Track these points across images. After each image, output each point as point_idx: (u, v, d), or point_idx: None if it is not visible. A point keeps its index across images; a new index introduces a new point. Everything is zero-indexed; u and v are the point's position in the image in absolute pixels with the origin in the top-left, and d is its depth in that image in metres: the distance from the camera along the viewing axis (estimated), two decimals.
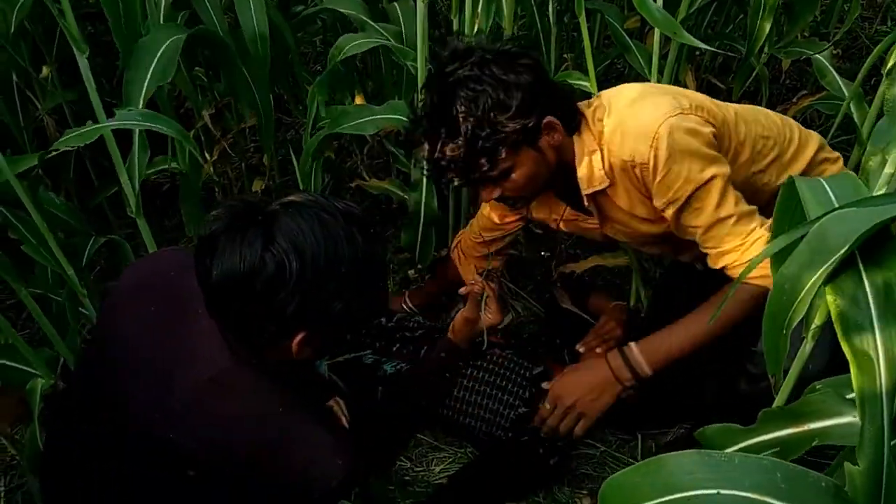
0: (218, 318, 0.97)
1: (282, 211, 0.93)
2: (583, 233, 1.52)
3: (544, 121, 1.22)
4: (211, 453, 0.97)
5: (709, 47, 0.87)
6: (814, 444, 0.85)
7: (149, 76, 1.34)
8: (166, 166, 1.74)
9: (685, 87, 1.84)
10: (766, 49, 1.90)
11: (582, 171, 1.30)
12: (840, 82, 1.81)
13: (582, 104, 1.33)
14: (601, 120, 1.28)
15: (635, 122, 1.22)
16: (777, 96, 2.68)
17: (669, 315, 1.37)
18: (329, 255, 0.92)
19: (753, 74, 2.04)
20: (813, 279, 0.59)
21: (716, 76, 2.54)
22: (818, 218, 0.61)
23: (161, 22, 1.53)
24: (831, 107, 1.97)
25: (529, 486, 1.52)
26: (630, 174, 1.26)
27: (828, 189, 0.65)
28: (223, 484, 1.02)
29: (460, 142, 1.18)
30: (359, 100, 2.06)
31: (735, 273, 1.24)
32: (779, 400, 0.97)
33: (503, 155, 1.20)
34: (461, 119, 1.17)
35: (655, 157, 1.20)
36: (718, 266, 1.26)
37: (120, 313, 1.08)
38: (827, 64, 1.86)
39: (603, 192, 1.32)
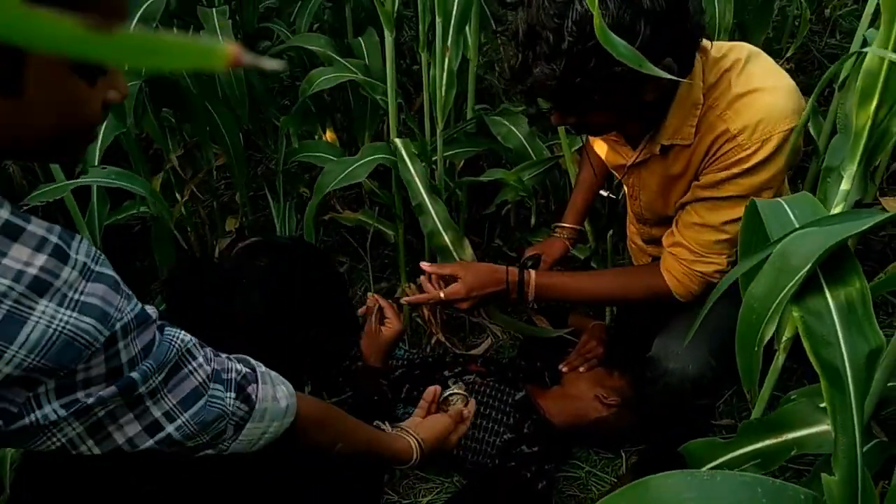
0: None
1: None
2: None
3: (662, 62, 1.02)
4: None
5: (672, 76, 0.89)
6: (792, 453, 0.88)
7: (103, 127, 1.35)
8: (135, 211, 1.74)
9: None
10: None
11: (672, 121, 1.17)
12: None
13: (707, 44, 1.15)
14: (726, 72, 1.14)
15: (767, 105, 1.10)
16: None
17: (633, 326, 1.40)
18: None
19: None
20: (779, 297, 0.62)
21: None
22: (780, 239, 0.64)
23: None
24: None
25: None
26: (716, 143, 1.15)
27: (788, 210, 0.68)
28: None
29: (556, 70, 1.02)
30: (329, 134, 2.09)
31: (668, 263, 1.29)
32: (756, 412, 1.00)
33: (595, 98, 1.06)
34: (566, 42, 0.99)
35: (755, 151, 1.11)
36: (666, 246, 1.29)
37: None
38: None
39: (672, 147, 1.22)
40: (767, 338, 0.63)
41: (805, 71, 3.05)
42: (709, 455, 0.98)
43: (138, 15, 1.57)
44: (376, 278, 2.24)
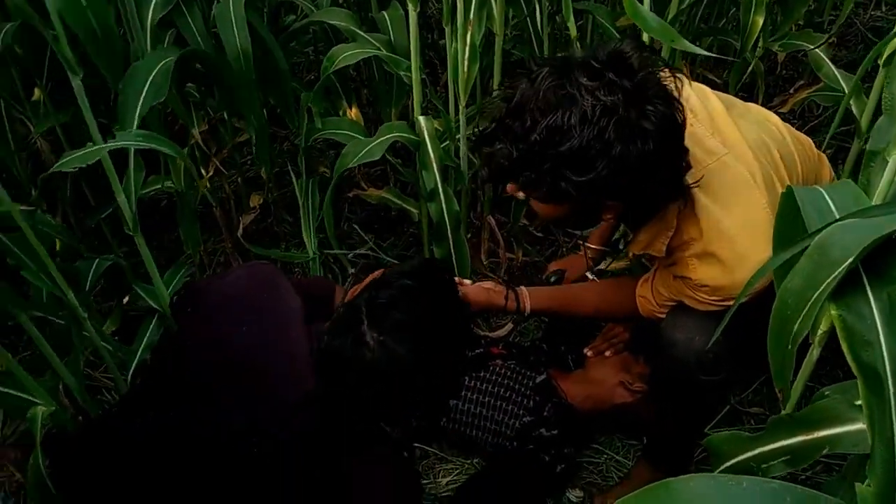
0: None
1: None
2: None
3: (608, 202, 1.10)
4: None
5: (705, 51, 0.85)
6: (825, 451, 0.84)
7: (142, 98, 1.34)
8: (160, 186, 1.73)
9: None
10: (760, 43, 1.88)
11: (643, 237, 1.24)
12: (837, 74, 1.79)
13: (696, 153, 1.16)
14: (705, 211, 1.18)
15: (731, 278, 1.16)
16: (773, 87, 2.66)
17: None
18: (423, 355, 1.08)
19: (749, 69, 2.02)
20: (817, 293, 0.58)
21: (711, 69, 2.53)
22: (819, 230, 0.60)
23: (148, 42, 1.52)
24: (829, 98, 1.95)
25: (537, 495, 1.51)
26: (683, 278, 1.24)
27: (827, 199, 0.64)
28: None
29: (512, 154, 1.06)
30: (353, 111, 2.05)
31: (641, 290, 1.40)
32: (788, 406, 0.96)
33: (537, 192, 1.10)
34: (533, 137, 1.03)
35: (715, 302, 1.21)
36: (642, 281, 1.40)
37: (216, 321, 1.17)
38: (823, 56, 1.84)
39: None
40: (802, 336, 0.60)
41: (847, 45, 2.93)
42: (734, 449, 0.95)
43: None
44: (400, 256, 2.23)
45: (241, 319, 1.14)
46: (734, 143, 1.22)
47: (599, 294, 1.50)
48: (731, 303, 1.18)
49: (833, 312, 0.57)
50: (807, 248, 0.60)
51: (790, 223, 0.68)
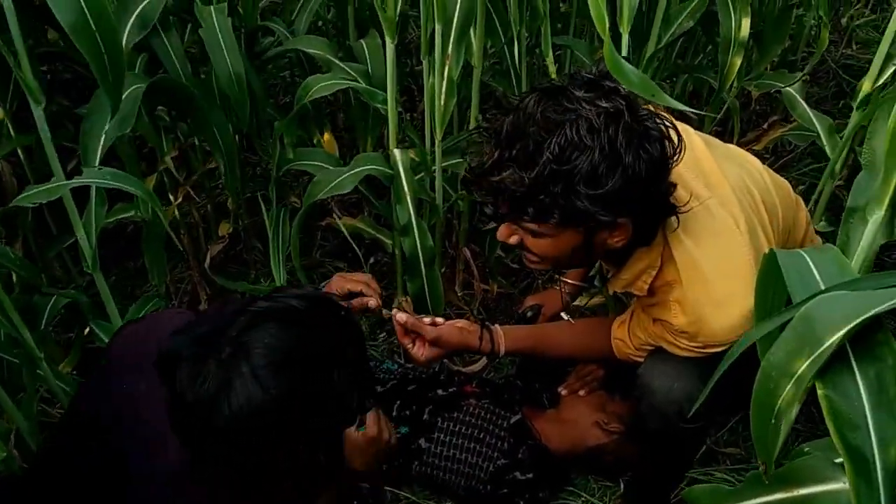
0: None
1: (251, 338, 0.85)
2: None
3: (619, 220, 1.06)
4: None
5: (688, 109, 0.84)
6: None
7: (106, 128, 1.30)
8: (127, 215, 1.68)
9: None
10: (736, 83, 1.90)
11: (626, 276, 1.22)
12: (811, 115, 1.80)
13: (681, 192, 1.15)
14: (684, 255, 1.16)
15: (711, 326, 1.15)
16: (747, 122, 2.69)
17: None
18: (295, 404, 0.85)
19: (725, 107, 2.04)
20: (801, 369, 0.56)
21: (686, 103, 2.55)
22: (803, 301, 0.58)
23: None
24: (803, 137, 1.97)
25: None
26: (664, 320, 1.22)
27: (811, 265, 0.62)
28: None
29: (523, 178, 1.01)
30: (326, 136, 2.03)
31: (617, 332, 1.39)
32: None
33: (551, 220, 1.05)
34: (544, 158, 0.99)
35: (694, 349, 1.19)
36: (618, 323, 1.39)
37: (115, 382, 1.01)
38: (797, 96, 1.86)
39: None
40: (789, 413, 0.57)
41: (819, 82, 2.97)
42: (714, 503, 0.92)
43: (136, 13, 1.51)
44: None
45: (133, 381, 0.98)
46: (718, 187, 1.21)
47: (575, 335, 1.48)
48: (711, 350, 1.17)
49: (819, 392, 0.55)
50: (790, 319, 0.57)
51: (771, 286, 0.66)
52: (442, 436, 1.50)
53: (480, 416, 1.53)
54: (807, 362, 0.55)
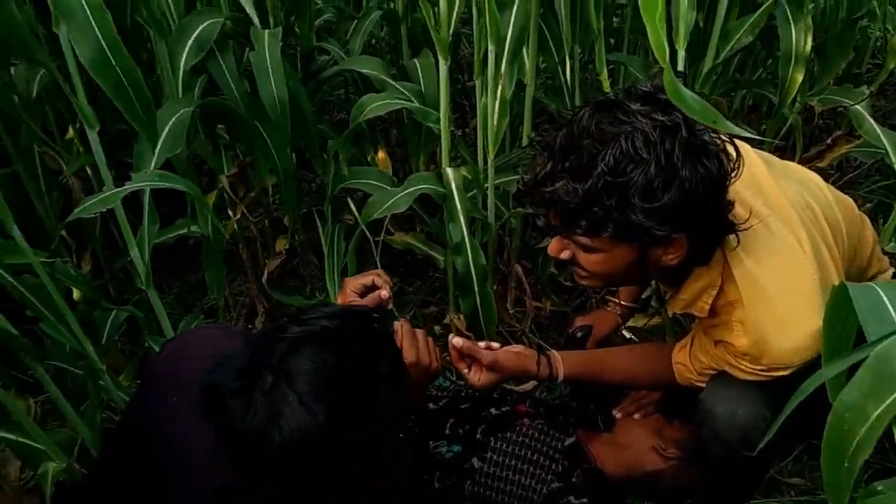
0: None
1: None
2: None
3: (674, 235, 1.03)
4: None
5: (749, 134, 0.82)
6: None
7: (158, 149, 1.35)
8: (186, 230, 1.73)
9: None
10: (798, 98, 1.84)
11: (685, 295, 1.19)
12: (879, 131, 1.74)
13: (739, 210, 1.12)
14: (748, 277, 1.13)
15: (775, 345, 1.11)
16: (810, 136, 2.61)
17: None
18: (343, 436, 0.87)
19: (788, 123, 1.98)
20: (878, 411, 0.53)
21: (744, 118, 2.48)
22: (879, 340, 0.55)
23: (179, 88, 1.53)
24: (870, 154, 1.91)
25: None
26: (728, 343, 1.18)
27: (887, 302, 0.59)
28: None
29: (577, 190, 1.00)
30: (381, 154, 2.05)
31: (678, 357, 1.36)
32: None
33: (604, 234, 1.03)
34: (599, 170, 0.98)
35: (760, 371, 1.15)
36: (678, 347, 1.36)
37: (156, 399, 1.05)
38: (864, 112, 1.79)
39: None
40: (863, 457, 0.55)
41: (886, 95, 2.87)
42: None
43: (193, 36, 1.56)
44: (425, 302, 2.20)
45: (175, 400, 0.99)
46: (778, 206, 1.17)
47: (634, 361, 1.45)
48: (775, 374, 1.13)
49: None
50: (865, 358, 0.55)
51: (841, 322, 0.63)
52: (495, 456, 1.49)
53: (534, 437, 1.52)
54: (884, 405, 0.53)
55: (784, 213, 1.17)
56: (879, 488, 0.81)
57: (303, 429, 0.81)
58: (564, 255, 1.14)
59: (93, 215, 1.34)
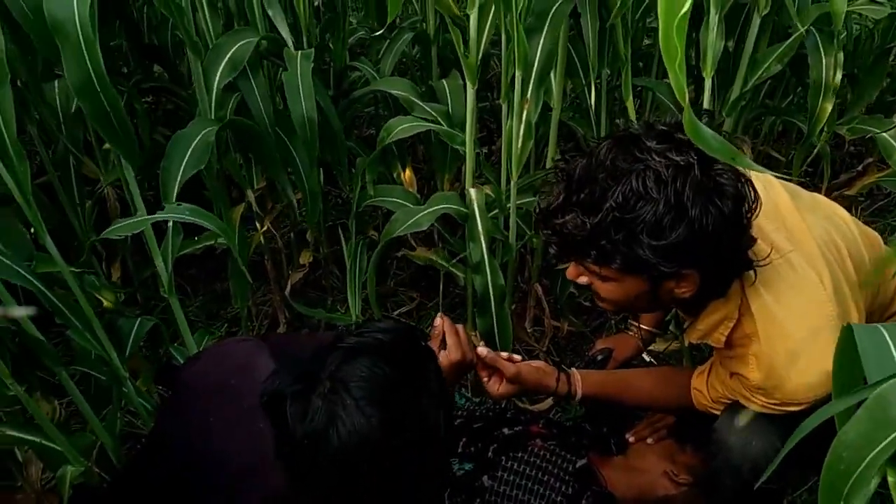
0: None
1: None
2: None
3: (685, 271, 1.05)
4: None
5: (770, 173, 0.83)
6: None
7: (182, 167, 1.40)
8: (212, 242, 1.77)
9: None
10: (826, 128, 1.83)
11: (702, 326, 1.19)
12: None
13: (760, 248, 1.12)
14: (764, 312, 1.13)
15: (790, 385, 1.11)
16: (841, 164, 2.58)
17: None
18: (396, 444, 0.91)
19: (815, 151, 1.96)
20: (873, 453, 0.53)
21: (772, 144, 2.47)
22: (879, 382, 0.55)
23: (213, 106, 1.58)
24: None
25: None
26: (742, 373, 1.18)
27: (891, 345, 0.60)
28: None
29: (585, 224, 1.02)
30: (407, 173, 2.07)
31: (696, 383, 1.36)
32: None
33: (613, 265, 1.05)
34: (608, 205, 1.00)
35: (774, 405, 1.15)
36: (697, 373, 1.37)
37: (183, 412, 1.09)
38: (893, 141, 1.77)
39: None
40: (858, 497, 0.55)
41: None
42: None
43: (228, 56, 1.61)
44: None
45: (206, 412, 1.04)
46: (801, 241, 1.17)
47: (654, 383, 1.45)
48: (788, 408, 1.13)
49: (890, 479, 0.53)
50: (865, 399, 0.55)
51: (849, 361, 0.63)
52: (506, 475, 1.49)
53: (546, 457, 1.52)
54: (879, 447, 0.53)
55: (807, 248, 1.16)
56: None
57: (359, 432, 0.86)
58: (582, 280, 1.15)
59: (119, 237, 1.39)
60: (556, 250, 1.13)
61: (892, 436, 0.52)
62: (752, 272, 1.11)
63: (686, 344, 1.33)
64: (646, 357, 1.63)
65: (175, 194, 1.38)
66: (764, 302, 1.13)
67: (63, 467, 1.25)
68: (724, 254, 1.04)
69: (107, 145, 2.03)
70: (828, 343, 1.06)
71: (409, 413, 0.92)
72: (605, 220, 1.00)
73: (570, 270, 1.17)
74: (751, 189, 1.04)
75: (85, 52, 1.07)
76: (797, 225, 1.19)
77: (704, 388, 1.33)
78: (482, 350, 1.35)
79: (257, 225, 2.01)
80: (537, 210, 1.15)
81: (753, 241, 1.08)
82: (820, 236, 1.19)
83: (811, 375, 1.09)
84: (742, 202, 1.03)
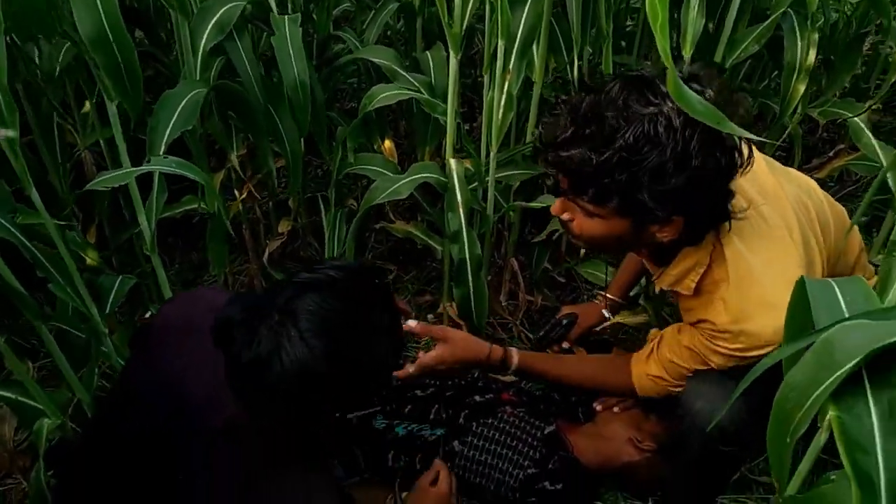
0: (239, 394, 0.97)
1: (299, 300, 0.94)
2: None
3: (674, 217, 1.08)
4: None
5: (752, 136, 0.86)
6: None
7: (170, 126, 1.40)
8: (195, 205, 1.78)
9: None
10: (800, 109, 1.87)
11: (674, 272, 1.23)
12: (876, 146, 1.77)
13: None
14: (736, 259, 1.17)
15: (752, 328, 1.14)
16: (812, 149, 2.63)
17: None
18: (343, 369, 0.94)
19: (786, 133, 2.01)
20: (818, 391, 0.57)
21: (749, 125, 2.51)
22: (826, 327, 0.59)
23: (198, 68, 1.58)
24: (867, 168, 1.94)
25: None
26: (707, 319, 1.21)
27: (839, 295, 0.63)
28: None
29: (592, 160, 1.03)
30: (387, 143, 2.09)
31: (636, 359, 1.41)
32: (791, 487, 0.94)
33: (608, 205, 1.07)
34: (617, 144, 1.01)
35: (733, 352, 1.18)
36: (637, 360, 1.41)
37: (155, 361, 1.11)
38: (863, 126, 1.82)
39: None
40: (801, 431, 0.59)
41: (893, 111, 2.88)
42: None
43: (214, 19, 1.60)
44: (421, 290, 2.24)
45: (177, 356, 1.08)
46: (774, 197, 1.22)
47: (587, 368, 1.52)
48: (749, 354, 1.16)
49: (832, 413, 0.56)
50: (813, 343, 0.59)
51: (802, 312, 0.67)
52: (476, 440, 1.53)
53: (515, 424, 1.56)
54: (823, 385, 0.57)
55: (779, 203, 1.21)
56: (832, 477, 0.85)
57: (301, 361, 0.90)
58: (565, 216, 1.17)
59: (106, 188, 1.39)
60: (554, 183, 1.14)
61: (835, 375, 0.56)
62: (727, 222, 1.15)
63: (657, 291, 1.34)
64: (605, 313, 1.67)
65: (162, 151, 1.39)
66: (737, 248, 1.17)
67: (40, 420, 1.26)
68: (712, 203, 1.08)
69: (86, 108, 2.02)
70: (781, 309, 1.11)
71: (355, 347, 0.95)
72: (612, 159, 1.01)
73: (556, 206, 1.18)
74: (746, 145, 1.07)
75: (99, 2, 1.08)
76: (771, 183, 1.24)
77: (662, 372, 1.35)
78: (412, 323, 1.40)
79: (236, 193, 2.02)
80: (539, 141, 1.15)
81: (733, 195, 1.11)
82: (791, 196, 1.24)
83: (777, 319, 1.10)
84: (737, 157, 1.06)
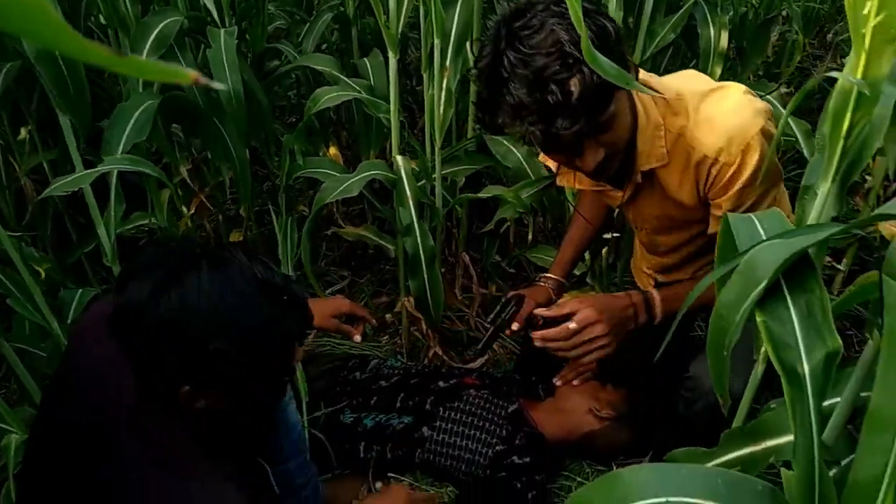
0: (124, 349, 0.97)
1: (197, 265, 0.94)
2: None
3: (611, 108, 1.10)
4: None
5: (660, 94, 0.95)
6: (771, 460, 0.90)
7: (124, 137, 1.43)
8: (145, 221, 1.79)
9: None
10: None
11: (642, 148, 1.24)
12: (789, 119, 1.91)
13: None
14: (680, 100, 1.21)
15: (729, 121, 1.17)
16: None
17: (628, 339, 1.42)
18: (222, 320, 0.93)
19: None
20: (746, 304, 0.65)
21: None
22: (748, 250, 0.67)
23: (140, 83, 1.60)
24: (784, 143, 2.08)
25: None
26: (703, 168, 1.22)
27: (757, 224, 0.72)
28: None
29: (585, 70, 1.02)
30: (332, 150, 2.14)
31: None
32: (737, 420, 1.03)
33: (613, 97, 1.09)
34: (548, 88, 1.02)
35: (743, 162, 1.17)
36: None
37: (85, 345, 1.10)
38: (777, 104, 1.97)
39: (653, 172, 1.29)
40: (733, 342, 0.67)
41: (806, 95, 3.09)
42: (693, 462, 1.01)
43: (154, 33, 1.64)
44: (376, 293, 2.29)
45: (97, 339, 1.05)
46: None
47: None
48: (751, 159, 1.16)
49: (759, 319, 0.64)
50: (737, 266, 0.67)
51: (729, 243, 0.75)
52: (444, 424, 1.59)
53: (480, 405, 1.62)
54: (750, 298, 0.65)
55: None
56: (773, 406, 0.95)
57: (175, 309, 0.90)
58: (600, 156, 1.16)
59: (65, 193, 1.40)
60: (569, 132, 1.10)
61: (758, 289, 0.64)
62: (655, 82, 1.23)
63: (639, 179, 1.32)
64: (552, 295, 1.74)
65: (120, 151, 1.41)
66: (673, 87, 1.23)
67: (7, 437, 1.25)
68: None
69: (21, 135, 2.01)
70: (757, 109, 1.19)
71: (242, 313, 0.93)
72: (581, 105, 1.03)
73: (587, 159, 1.16)
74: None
75: None
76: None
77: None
78: (542, 310, 1.46)
79: (184, 209, 2.03)
80: (488, 125, 1.16)
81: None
82: None
83: (754, 106, 1.18)
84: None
